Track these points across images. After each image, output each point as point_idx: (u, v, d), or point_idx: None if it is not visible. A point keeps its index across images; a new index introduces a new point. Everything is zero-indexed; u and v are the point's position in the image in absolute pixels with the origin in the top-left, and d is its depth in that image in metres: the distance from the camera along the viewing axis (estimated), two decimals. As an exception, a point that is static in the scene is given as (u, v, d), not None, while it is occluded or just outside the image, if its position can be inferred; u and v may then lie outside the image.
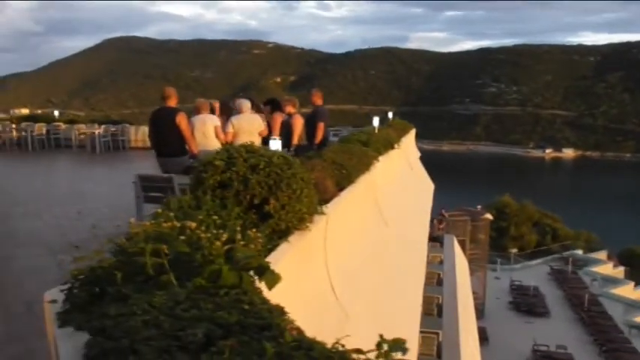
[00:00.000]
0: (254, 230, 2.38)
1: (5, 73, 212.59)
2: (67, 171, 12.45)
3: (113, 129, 16.88)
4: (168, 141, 6.13)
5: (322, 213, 3.42)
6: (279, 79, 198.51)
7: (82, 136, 16.84)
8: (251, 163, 2.99)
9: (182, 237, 2.15)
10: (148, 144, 16.52)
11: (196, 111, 6.67)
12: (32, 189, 9.01)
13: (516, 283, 28.71)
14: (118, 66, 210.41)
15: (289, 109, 7.52)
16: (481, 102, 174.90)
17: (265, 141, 7.19)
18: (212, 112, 7.07)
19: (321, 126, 7.67)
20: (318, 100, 7.90)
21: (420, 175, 12.88)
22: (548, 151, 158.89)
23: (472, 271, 22.18)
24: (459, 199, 40.74)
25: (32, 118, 18.46)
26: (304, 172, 3.16)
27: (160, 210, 2.59)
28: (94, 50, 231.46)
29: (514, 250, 39.09)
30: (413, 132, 13.96)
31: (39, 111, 28.67)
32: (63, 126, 17.63)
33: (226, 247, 2.10)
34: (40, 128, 16.89)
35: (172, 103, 6.25)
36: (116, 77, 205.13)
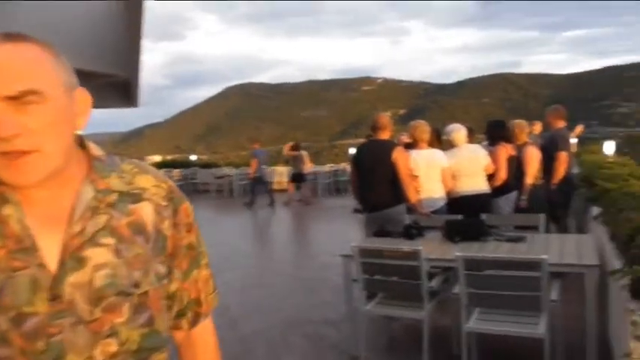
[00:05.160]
0: None
1: (142, 124, 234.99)
2: (214, 222, 11.19)
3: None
4: (379, 187, 4.26)
5: None
6: (389, 113, 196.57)
7: (220, 180, 15.92)
8: None
9: None
10: (285, 186, 15.29)
11: (415, 141, 4.73)
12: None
13: None
14: (236, 111, 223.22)
15: (522, 137, 5.31)
16: (610, 124, 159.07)
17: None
18: (438, 140, 5.10)
19: (562, 157, 5.37)
20: (558, 122, 5.61)
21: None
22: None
23: None
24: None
25: (171, 164, 18.09)
26: None
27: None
28: (215, 98, 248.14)
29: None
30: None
31: (169, 157, 29.36)
32: (201, 170, 16.96)
33: None
34: (179, 173, 16.29)
35: (386, 135, 4.42)
36: (235, 122, 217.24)
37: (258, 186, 12.66)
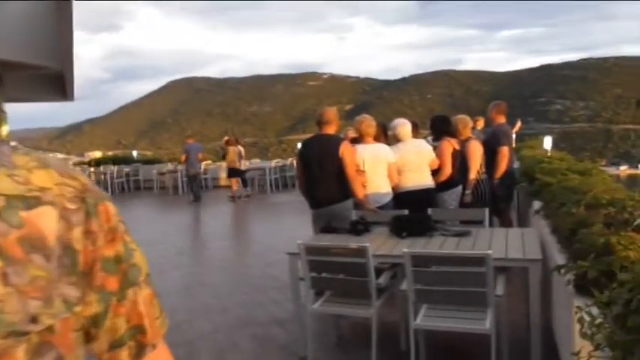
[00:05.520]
0: None
1: (81, 119, 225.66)
2: (155, 221, 10.80)
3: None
4: (326, 182, 4.20)
5: None
6: (335, 108, 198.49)
7: (162, 177, 15.43)
8: None
9: None
10: (230, 182, 15.01)
11: (361, 135, 4.69)
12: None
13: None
14: (181, 106, 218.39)
15: (465, 132, 5.39)
16: (546, 120, 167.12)
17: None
18: (384, 135, 5.08)
19: (504, 152, 5.49)
20: (500, 117, 5.73)
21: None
22: (622, 167, 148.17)
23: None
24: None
25: (112, 160, 17.37)
26: None
27: None
28: (158, 93, 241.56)
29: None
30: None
31: (110, 153, 28.22)
32: (142, 166, 16.37)
33: None
34: (120, 170, 15.67)
35: (332, 130, 4.35)
36: (179, 117, 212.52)
37: (194, 181, 12.53)
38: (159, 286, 0.98)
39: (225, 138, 13.16)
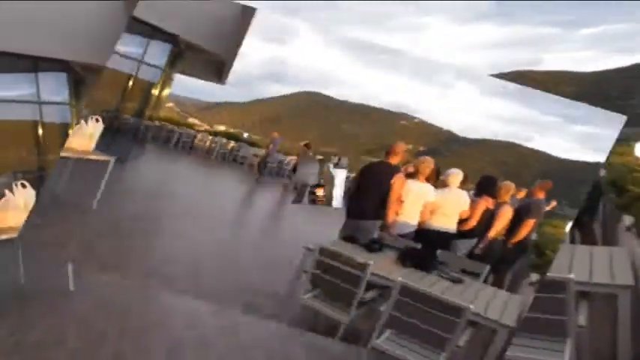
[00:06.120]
0: None
1: (223, 100, 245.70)
2: (220, 191, 10.71)
3: (282, 157, 15.72)
4: (367, 200, 4.82)
5: None
6: (410, 147, 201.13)
7: (255, 158, 15.99)
8: None
9: None
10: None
11: (416, 172, 5.07)
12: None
13: None
14: (298, 111, 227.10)
15: (504, 197, 5.26)
16: (638, 124, 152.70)
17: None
18: (436, 177, 5.26)
19: (529, 224, 5.19)
20: (540, 194, 5.39)
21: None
22: None
23: None
24: None
25: (226, 135, 18.41)
26: None
27: None
28: (288, 96, 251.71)
29: None
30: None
31: (232, 129, 30.19)
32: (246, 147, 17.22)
33: None
34: (227, 144, 16.50)
35: (395, 160, 4.95)
36: (292, 118, 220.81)
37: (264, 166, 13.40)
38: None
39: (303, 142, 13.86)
